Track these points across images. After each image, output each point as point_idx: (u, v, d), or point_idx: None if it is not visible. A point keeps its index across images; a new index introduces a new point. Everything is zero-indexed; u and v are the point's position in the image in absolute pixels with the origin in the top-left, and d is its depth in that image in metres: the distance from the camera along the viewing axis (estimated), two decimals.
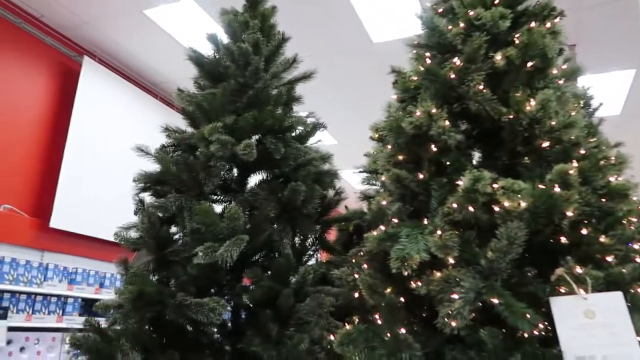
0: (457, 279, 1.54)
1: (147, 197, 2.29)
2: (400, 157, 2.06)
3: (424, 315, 1.88)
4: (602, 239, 1.61)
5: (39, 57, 5.17)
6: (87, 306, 5.14)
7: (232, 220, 1.86)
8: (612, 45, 5.03)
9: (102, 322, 2.18)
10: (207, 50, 2.54)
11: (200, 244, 1.91)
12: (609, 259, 1.56)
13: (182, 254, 2.03)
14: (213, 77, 2.41)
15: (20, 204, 4.89)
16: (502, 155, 1.86)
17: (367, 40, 5.32)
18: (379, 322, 1.88)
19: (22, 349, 4.37)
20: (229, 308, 1.94)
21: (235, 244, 1.78)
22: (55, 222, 4.95)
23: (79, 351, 1.89)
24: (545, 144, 1.74)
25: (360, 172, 2.79)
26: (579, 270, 1.46)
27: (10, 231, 4.58)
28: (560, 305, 1.41)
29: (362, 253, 2.15)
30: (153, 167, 2.32)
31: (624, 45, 4.97)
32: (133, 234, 2.22)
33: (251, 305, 2.01)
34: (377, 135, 2.88)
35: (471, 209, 1.59)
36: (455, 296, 1.49)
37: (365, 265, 2.06)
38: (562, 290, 1.46)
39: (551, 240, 1.66)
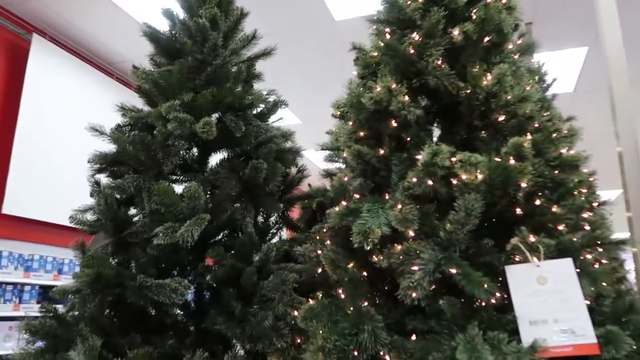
0: (417, 251, 1.57)
1: (104, 179, 2.21)
2: (362, 133, 2.07)
3: (385, 288, 1.92)
4: (555, 208, 1.67)
5: None
6: (45, 293, 4.99)
7: (193, 199, 1.83)
8: (566, 23, 5.16)
9: (60, 308, 2.12)
10: (164, 26, 2.46)
11: (160, 224, 1.87)
12: (561, 227, 1.62)
13: (141, 236, 1.98)
14: (169, 53, 2.34)
15: None
16: (460, 130, 1.89)
17: (328, 18, 5.27)
18: (342, 296, 1.91)
19: None
20: (191, 288, 1.91)
21: (196, 224, 1.76)
22: (8, 208, 4.75)
23: (35, 338, 1.83)
24: (501, 118, 1.78)
25: (323, 149, 2.79)
26: (532, 239, 1.51)
27: None
28: (515, 273, 1.46)
29: (324, 229, 2.17)
30: (109, 147, 2.25)
31: (577, 23, 5.12)
32: (89, 216, 2.16)
33: (214, 285, 1.99)
34: (338, 113, 2.87)
35: (430, 182, 1.62)
36: (415, 268, 1.52)
37: (328, 242, 2.07)
38: (517, 258, 1.52)
39: (507, 212, 1.71)
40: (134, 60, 6.09)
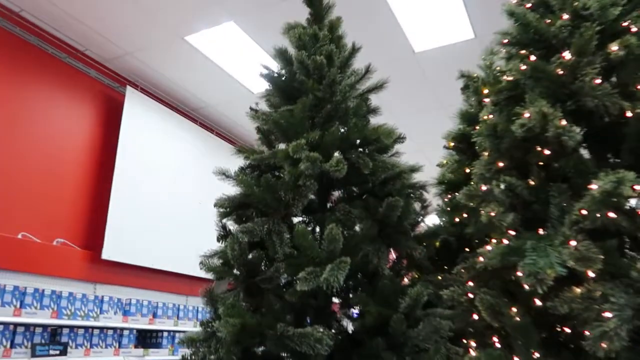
0: (605, 295, 1.38)
1: (228, 223, 2.18)
2: (501, 164, 1.92)
3: (543, 335, 1.71)
4: None
5: (84, 89, 5.22)
6: (141, 337, 5.06)
7: (332, 242, 1.74)
8: None
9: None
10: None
11: (295, 269, 1.79)
12: None
13: (275, 281, 1.90)
14: (286, 93, 2.32)
15: (72, 236, 4.87)
16: (625, 155, 1.69)
17: (409, 50, 5.21)
18: (498, 345, 1.72)
19: None
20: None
21: (340, 268, 1.65)
22: (107, 254, 4.90)
23: None
24: None
25: (439, 183, 2.64)
26: None
27: (64, 265, 4.56)
28: None
29: (463, 270, 2.00)
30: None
31: None
32: (216, 261, 2.12)
33: (357, 333, 1.87)
34: (452, 144, 2.74)
35: (612, 214, 1.43)
36: (608, 315, 1.33)
37: (470, 283, 1.90)
38: None
39: None
40: (216, 105, 6.30)
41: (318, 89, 2.17)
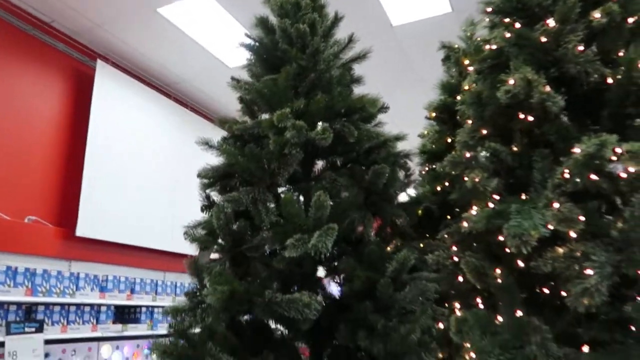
0: (587, 254, 1.43)
1: (212, 193, 2.16)
2: (484, 131, 1.95)
3: (524, 295, 1.77)
4: None
5: (52, 63, 5.02)
6: (119, 313, 5.03)
7: (319, 209, 1.74)
8: None
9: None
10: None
11: (282, 236, 1.79)
12: None
13: (261, 249, 1.90)
14: (268, 62, 2.28)
15: (45, 214, 4.75)
16: (604, 120, 1.74)
17: (387, 24, 5.18)
18: (482, 306, 1.78)
19: None
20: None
21: (328, 234, 1.66)
22: (81, 231, 4.81)
23: None
24: None
25: (421, 153, 2.67)
26: None
27: (37, 243, 4.45)
28: None
29: (447, 235, 2.04)
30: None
31: None
32: (200, 231, 2.10)
33: (339, 297, 1.89)
34: (433, 114, 2.76)
35: (594, 177, 1.48)
36: (589, 272, 1.38)
37: (454, 247, 1.95)
38: None
39: None
40: (190, 80, 6.17)
41: (301, 57, 2.14)
